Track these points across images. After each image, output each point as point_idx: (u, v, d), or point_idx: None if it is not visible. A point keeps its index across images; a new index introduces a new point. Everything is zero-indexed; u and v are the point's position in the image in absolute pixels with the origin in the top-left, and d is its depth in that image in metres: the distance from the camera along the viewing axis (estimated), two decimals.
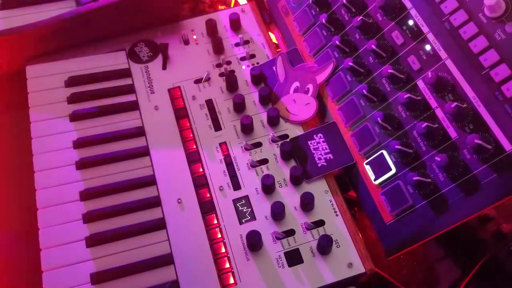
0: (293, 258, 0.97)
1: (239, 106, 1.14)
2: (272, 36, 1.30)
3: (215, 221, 1.02)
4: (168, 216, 1.03)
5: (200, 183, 1.06)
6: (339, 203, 1.03)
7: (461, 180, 0.89)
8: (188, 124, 1.14)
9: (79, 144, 1.10)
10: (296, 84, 1.16)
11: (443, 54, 0.96)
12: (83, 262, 0.97)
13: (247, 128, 1.11)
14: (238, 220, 1.02)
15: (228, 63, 1.23)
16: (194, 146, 1.11)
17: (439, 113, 0.95)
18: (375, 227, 0.98)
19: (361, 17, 1.08)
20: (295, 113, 1.13)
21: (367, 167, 1.03)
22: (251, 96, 1.17)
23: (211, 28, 1.26)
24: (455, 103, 0.89)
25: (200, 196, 1.05)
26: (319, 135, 1.09)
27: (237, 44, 1.26)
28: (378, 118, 1.00)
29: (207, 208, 1.03)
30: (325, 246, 0.95)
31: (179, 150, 1.11)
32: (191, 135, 1.12)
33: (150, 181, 1.06)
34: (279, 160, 1.08)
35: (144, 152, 1.10)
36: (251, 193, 1.04)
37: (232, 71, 1.21)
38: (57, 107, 1.15)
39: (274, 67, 1.19)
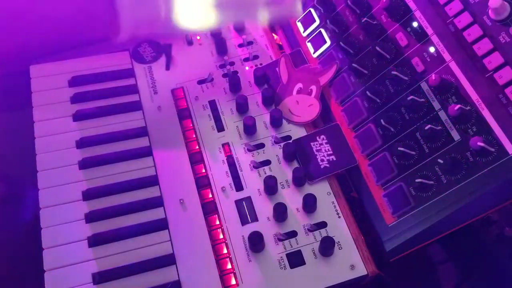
0: (295, 259, 0.97)
1: (242, 107, 1.14)
2: (275, 37, 1.30)
3: (217, 222, 1.02)
4: (170, 216, 1.03)
5: (203, 183, 1.06)
6: (342, 205, 1.02)
7: (464, 182, 0.89)
8: (191, 125, 1.14)
9: (82, 143, 1.10)
10: (299, 85, 1.16)
11: (447, 56, 0.96)
12: (85, 262, 0.97)
13: (250, 129, 1.11)
14: (240, 221, 1.02)
15: (232, 64, 1.23)
16: (197, 147, 1.11)
17: (442, 115, 0.94)
18: (377, 229, 0.98)
19: (365, 19, 1.08)
20: (298, 114, 1.13)
21: (370, 169, 1.02)
22: (254, 97, 1.17)
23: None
24: (459, 106, 0.89)
25: (203, 196, 1.05)
26: (322, 136, 1.09)
27: (240, 45, 1.26)
28: (381, 120, 1.00)
29: (209, 208, 1.03)
30: (327, 248, 0.95)
31: (182, 150, 1.11)
32: (194, 136, 1.12)
33: (153, 181, 1.06)
34: (282, 161, 1.08)
35: (146, 152, 1.10)
36: (253, 194, 1.04)
37: (235, 72, 1.21)
38: (60, 106, 1.15)
39: (277, 68, 1.19)
